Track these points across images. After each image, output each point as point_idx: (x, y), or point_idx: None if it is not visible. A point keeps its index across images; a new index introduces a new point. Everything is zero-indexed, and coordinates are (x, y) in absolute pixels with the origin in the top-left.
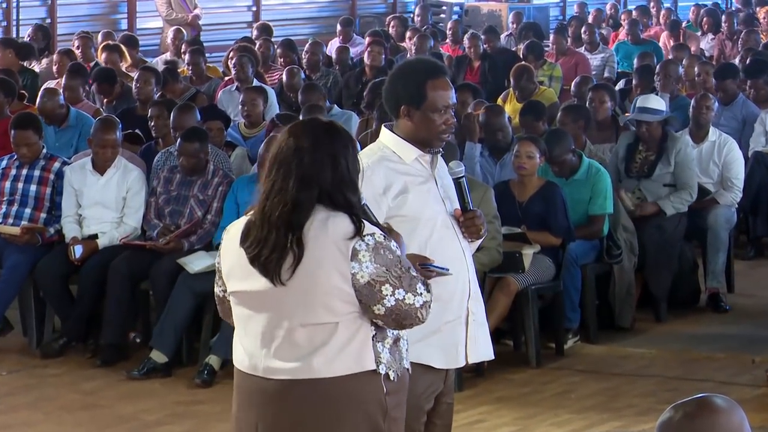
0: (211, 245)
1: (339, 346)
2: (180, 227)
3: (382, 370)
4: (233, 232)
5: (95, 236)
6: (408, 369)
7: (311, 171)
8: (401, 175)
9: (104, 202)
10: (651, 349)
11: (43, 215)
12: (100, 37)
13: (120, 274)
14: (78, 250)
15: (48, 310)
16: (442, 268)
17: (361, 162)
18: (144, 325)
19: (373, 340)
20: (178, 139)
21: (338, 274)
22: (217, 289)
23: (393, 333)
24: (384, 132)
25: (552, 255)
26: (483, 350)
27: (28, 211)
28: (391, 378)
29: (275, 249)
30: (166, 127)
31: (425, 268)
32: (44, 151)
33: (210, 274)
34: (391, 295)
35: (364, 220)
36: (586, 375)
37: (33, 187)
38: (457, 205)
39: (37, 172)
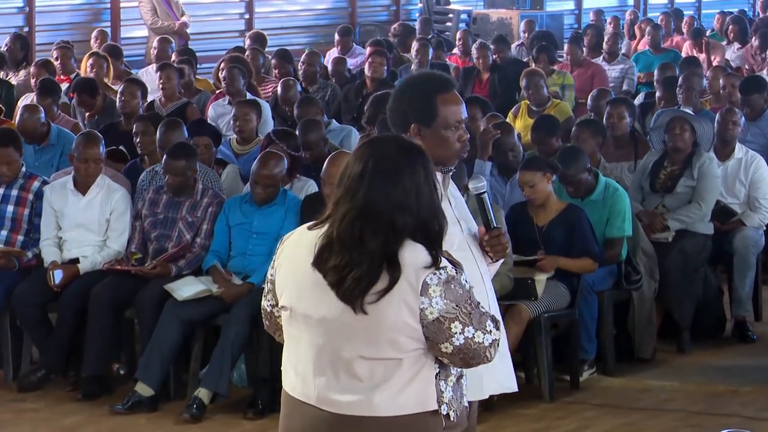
0: (201, 270)
1: (402, 383)
2: (167, 251)
3: (444, 410)
4: (294, 242)
5: (76, 260)
6: (467, 407)
7: (407, 195)
8: None
9: (86, 224)
10: (673, 382)
11: (20, 238)
12: (93, 38)
13: (103, 302)
14: (58, 276)
15: (25, 339)
16: None
17: None
18: (128, 355)
19: (436, 378)
20: (164, 157)
21: (407, 308)
22: (265, 303)
23: (456, 370)
24: None
25: (567, 281)
26: (504, 381)
27: (4, 233)
28: (452, 418)
29: (365, 276)
30: (153, 144)
31: None
32: (23, 169)
33: (199, 302)
34: (460, 333)
35: (439, 254)
36: (604, 410)
37: (10, 208)
38: (473, 225)
39: (15, 192)
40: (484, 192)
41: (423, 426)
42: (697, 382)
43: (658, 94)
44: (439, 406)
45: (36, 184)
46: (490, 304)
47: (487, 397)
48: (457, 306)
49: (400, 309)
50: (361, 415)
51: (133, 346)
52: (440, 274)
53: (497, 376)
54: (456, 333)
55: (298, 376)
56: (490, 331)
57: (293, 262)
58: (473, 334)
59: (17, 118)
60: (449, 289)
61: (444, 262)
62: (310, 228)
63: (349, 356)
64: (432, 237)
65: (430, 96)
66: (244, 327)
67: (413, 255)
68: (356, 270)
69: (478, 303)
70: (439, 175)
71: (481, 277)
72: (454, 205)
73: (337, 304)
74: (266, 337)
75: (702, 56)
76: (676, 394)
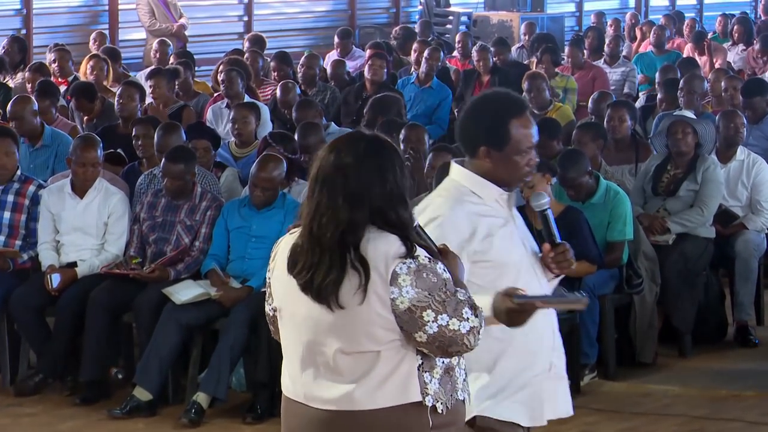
0: (200, 274)
1: (382, 376)
2: (166, 255)
3: (429, 401)
4: (284, 245)
5: (74, 264)
6: (463, 401)
7: (360, 188)
8: (484, 218)
9: (84, 228)
10: (674, 387)
11: (18, 242)
12: (91, 40)
13: (100, 305)
14: (55, 280)
15: (23, 344)
16: (527, 298)
17: (438, 204)
18: (126, 360)
19: (419, 370)
20: (162, 160)
21: (378, 299)
22: (267, 307)
23: (443, 362)
24: (456, 169)
25: (567, 285)
26: (562, 406)
27: (2, 239)
28: (439, 410)
29: (331, 272)
30: (153, 147)
31: (527, 301)
32: (18, 172)
33: (197, 306)
34: (433, 321)
35: (414, 243)
36: (605, 414)
37: (6, 214)
38: (534, 246)
39: (10, 198)
40: (547, 208)
41: (406, 418)
42: (699, 387)
43: (659, 96)
44: (423, 398)
45: (32, 188)
46: (554, 327)
47: (545, 423)
48: (429, 294)
49: (372, 300)
50: (344, 409)
51: (132, 350)
52: (410, 263)
53: (555, 401)
54: (429, 321)
55: (290, 376)
56: (468, 318)
57: (281, 264)
58: (447, 321)
59: (8, 108)
60: (421, 278)
61: (419, 252)
62: (290, 231)
63: (329, 352)
64: (394, 225)
65: (503, 119)
66: (243, 331)
67: (384, 245)
68: (320, 269)
69: (456, 291)
70: (505, 195)
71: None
72: (518, 225)
73: (315, 306)
74: (265, 341)
75: (704, 59)
76: (678, 399)
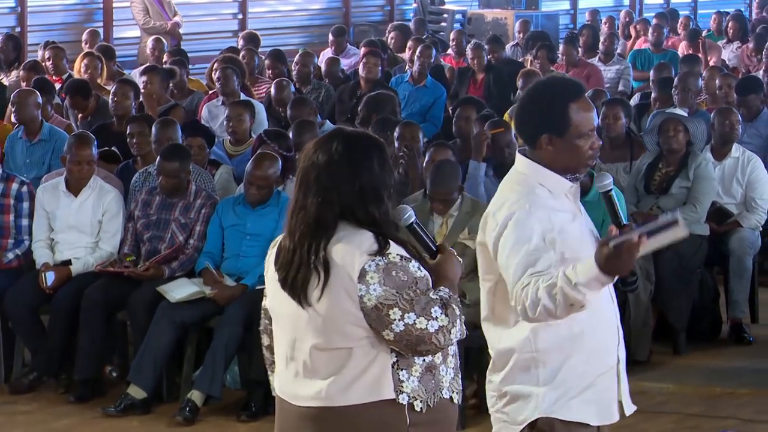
0: (194, 272)
1: (354, 373)
2: (160, 253)
3: (403, 399)
4: (276, 249)
5: (68, 262)
6: (451, 398)
7: (329, 186)
8: (556, 212)
9: (79, 226)
10: (669, 384)
11: (10, 241)
12: (84, 38)
13: (95, 303)
14: (50, 278)
15: (17, 342)
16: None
17: (514, 200)
18: (121, 358)
19: (393, 367)
20: (158, 157)
21: (348, 296)
22: (264, 303)
23: (424, 360)
24: (523, 162)
25: None
26: (629, 402)
27: None
28: (417, 408)
29: (300, 269)
30: (148, 145)
31: (624, 240)
32: (0, 171)
33: (192, 303)
34: (399, 320)
35: (391, 241)
36: None
37: None
38: (599, 237)
39: None
40: (611, 189)
41: (381, 415)
42: (694, 384)
43: (653, 95)
44: (397, 395)
45: (15, 186)
46: (618, 322)
47: (615, 420)
48: (397, 292)
49: (341, 297)
50: (319, 406)
51: (126, 348)
52: (379, 260)
53: (626, 397)
54: (395, 320)
55: (278, 374)
56: (436, 317)
57: (271, 266)
58: (414, 320)
59: (12, 97)
60: (389, 276)
61: (392, 249)
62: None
63: (306, 348)
64: (365, 223)
65: (562, 104)
66: (237, 329)
67: (355, 242)
68: (293, 266)
69: (427, 290)
70: (574, 188)
71: (609, 292)
72: (585, 217)
73: (293, 303)
74: (259, 339)
75: (700, 58)
76: (673, 396)
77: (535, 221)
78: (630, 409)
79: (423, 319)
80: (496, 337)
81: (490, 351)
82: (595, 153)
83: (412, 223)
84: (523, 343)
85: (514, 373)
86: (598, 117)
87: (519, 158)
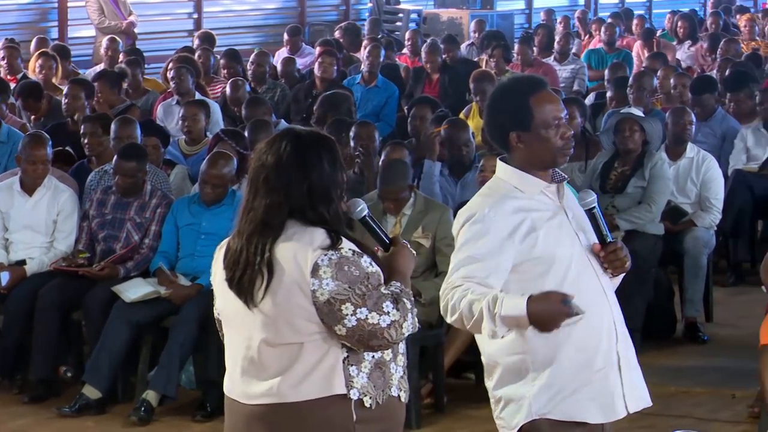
0: (149, 272)
1: (306, 368)
2: (115, 252)
3: (354, 395)
4: (223, 250)
5: (23, 262)
6: (399, 397)
7: (277, 187)
8: (527, 213)
9: (33, 226)
10: None
11: None
12: (33, 44)
13: (50, 303)
14: (4, 278)
15: None
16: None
17: (477, 202)
18: (76, 358)
19: (344, 362)
20: (114, 157)
21: (300, 291)
22: (215, 312)
23: (373, 356)
24: (501, 166)
25: None
26: (642, 396)
27: None
28: (367, 405)
29: (246, 270)
30: (100, 145)
31: (568, 306)
32: None
33: (147, 303)
34: (352, 315)
35: (342, 236)
36: None
37: None
38: (593, 238)
39: None
40: (595, 206)
41: (331, 410)
42: (649, 384)
43: (609, 94)
44: (348, 390)
45: None
46: (615, 318)
47: (623, 416)
48: (350, 287)
49: (292, 291)
50: (271, 403)
51: (81, 348)
52: (332, 255)
53: (634, 392)
54: (347, 315)
55: (228, 375)
56: (388, 312)
57: (218, 268)
58: (366, 315)
59: None
60: (341, 270)
61: (343, 244)
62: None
63: (256, 345)
64: (314, 223)
65: (522, 99)
66: (193, 329)
67: (307, 237)
68: (240, 266)
69: (380, 284)
70: (552, 187)
71: (602, 290)
72: (571, 216)
73: (241, 303)
74: (215, 339)
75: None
76: None
77: (492, 223)
78: (636, 405)
79: (375, 314)
80: (485, 342)
81: (482, 357)
82: (569, 142)
83: (365, 216)
84: (511, 345)
85: (505, 376)
86: None
87: (498, 164)
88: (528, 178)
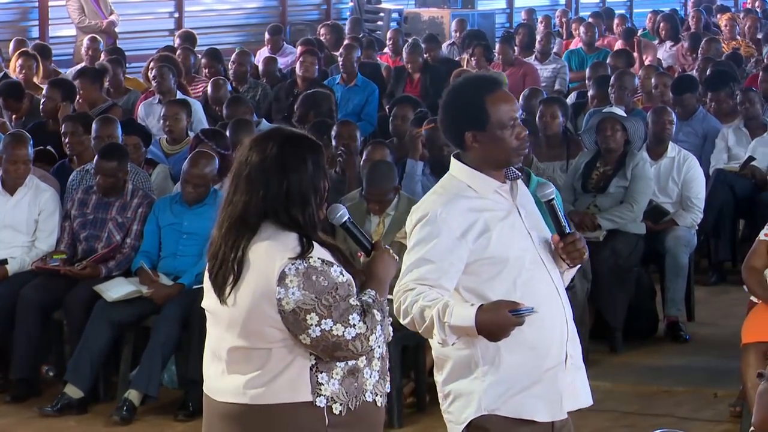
0: (131, 271)
1: (272, 374)
2: (97, 252)
3: (321, 402)
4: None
5: (4, 261)
6: (375, 402)
7: (257, 185)
8: (480, 213)
9: (14, 225)
10: (605, 382)
11: None
12: (11, 45)
13: (31, 303)
14: None
15: None
16: (529, 310)
17: (429, 201)
18: (57, 357)
19: (311, 370)
20: (95, 157)
21: (265, 298)
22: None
23: (347, 363)
24: (454, 164)
25: None
26: (582, 397)
27: None
28: (336, 412)
29: (222, 265)
30: (81, 144)
31: (519, 315)
32: None
33: (129, 303)
34: (316, 325)
35: (314, 242)
36: None
37: None
38: (545, 234)
39: None
40: (553, 198)
41: (298, 417)
42: (630, 383)
43: (590, 93)
44: (315, 398)
45: None
46: (567, 317)
47: (565, 416)
48: (316, 298)
49: (259, 299)
50: (239, 402)
51: (62, 347)
52: (299, 264)
53: (574, 392)
54: (312, 325)
55: (204, 369)
56: (354, 324)
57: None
58: (331, 326)
59: None
60: (309, 280)
61: (314, 253)
62: None
63: (227, 347)
64: (287, 225)
65: (478, 99)
66: (174, 328)
67: (278, 244)
68: (217, 261)
69: (348, 296)
70: (506, 186)
71: (555, 288)
72: (524, 215)
73: (216, 299)
74: (196, 338)
75: (634, 56)
76: (609, 395)
77: (444, 224)
78: (574, 405)
79: (340, 326)
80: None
81: (432, 351)
82: (523, 143)
83: (345, 221)
84: (462, 340)
85: (455, 371)
86: (536, 116)
87: (452, 162)
88: (482, 177)
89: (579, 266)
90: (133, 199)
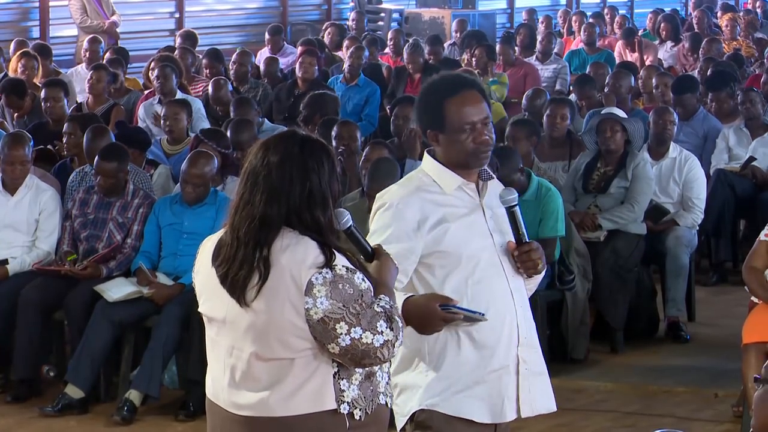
0: (131, 271)
1: (296, 384)
2: (98, 252)
3: (345, 409)
4: (208, 247)
5: (5, 261)
6: (386, 404)
7: (279, 186)
8: (439, 207)
9: (15, 225)
10: (606, 383)
11: None
12: (12, 46)
13: (32, 303)
14: None
15: None
16: (473, 312)
17: (392, 192)
18: (58, 357)
19: (334, 377)
20: (95, 158)
21: (292, 308)
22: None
23: (364, 368)
24: (425, 159)
25: None
26: (541, 402)
27: None
28: (356, 417)
29: (243, 266)
30: (79, 146)
31: (448, 311)
32: None
33: (130, 303)
34: (346, 334)
35: (335, 251)
36: None
37: None
38: (510, 238)
39: None
40: (516, 205)
41: (320, 425)
42: (631, 383)
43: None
44: (339, 405)
45: None
46: (519, 322)
47: (513, 419)
48: (344, 306)
49: (285, 308)
50: (259, 415)
51: (63, 348)
52: (326, 273)
53: (529, 397)
54: (342, 334)
55: (212, 378)
56: (382, 331)
57: (204, 262)
58: (361, 335)
59: None
60: (336, 289)
61: (337, 261)
62: (224, 226)
63: (246, 357)
64: (309, 227)
65: (438, 101)
66: (175, 328)
67: (301, 253)
68: (235, 263)
69: (373, 303)
70: (472, 184)
71: (510, 292)
72: (489, 216)
73: (232, 304)
74: (197, 338)
75: (634, 56)
76: (610, 395)
77: (400, 214)
78: (532, 410)
79: (369, 333)
80: None
81: None
82: (482, 146)
83: (349, 227)
84: (409, 334)
85: (402, 364)
86: (541, 116)
87: (424, 156)
88: (448, 173)
89: (542, 276)
90: (134, 200)
